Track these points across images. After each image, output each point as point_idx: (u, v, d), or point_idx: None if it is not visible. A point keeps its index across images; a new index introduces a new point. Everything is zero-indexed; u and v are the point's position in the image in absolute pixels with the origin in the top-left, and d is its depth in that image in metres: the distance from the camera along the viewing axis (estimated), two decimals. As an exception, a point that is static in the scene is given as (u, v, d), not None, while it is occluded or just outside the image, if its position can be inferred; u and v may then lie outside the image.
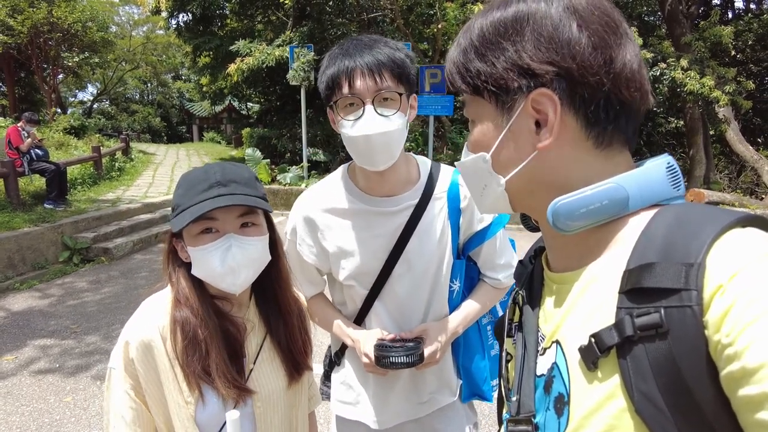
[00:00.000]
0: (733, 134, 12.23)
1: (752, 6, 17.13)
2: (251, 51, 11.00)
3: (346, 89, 1.14)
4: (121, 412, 1.02)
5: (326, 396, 1.51)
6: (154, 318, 1.05)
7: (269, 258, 1.11)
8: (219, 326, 1.05)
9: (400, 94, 1.16)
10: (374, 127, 1.13)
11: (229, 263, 1.01)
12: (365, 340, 1.27)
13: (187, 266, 1.07)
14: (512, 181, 0.62)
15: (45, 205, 7.67)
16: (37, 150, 8.01)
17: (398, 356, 1.19)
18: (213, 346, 1.03)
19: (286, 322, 1.17)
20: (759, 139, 16.14)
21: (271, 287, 1.16)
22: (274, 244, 1.14)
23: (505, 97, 0.59)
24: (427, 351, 1.24)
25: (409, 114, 1.23)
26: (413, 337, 1.27)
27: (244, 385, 1.06)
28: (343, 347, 1.41)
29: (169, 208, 1.07)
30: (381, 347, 1.23)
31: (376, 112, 1.14)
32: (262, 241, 1.08)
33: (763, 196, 10.94)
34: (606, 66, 0.55)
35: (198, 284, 1.08)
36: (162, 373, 1.03)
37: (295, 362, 1.17)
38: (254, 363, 1.11)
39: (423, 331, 1.28)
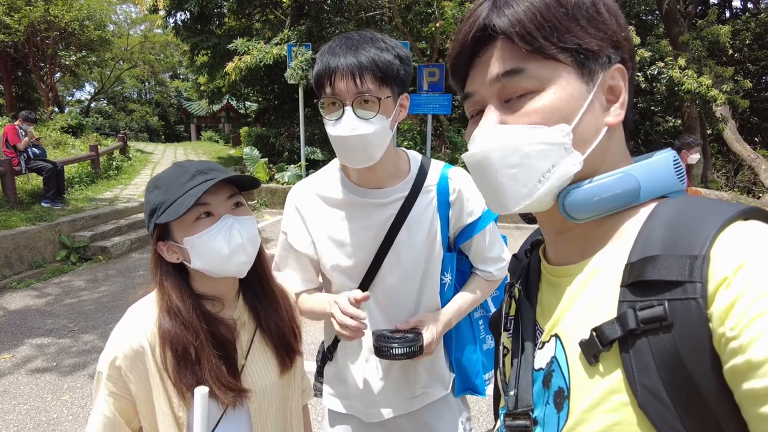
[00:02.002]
0: (731, 133, 12.26)
1: (750, 5, 17.18)
2: (249, 49, 10.98)
3: (328, 89, 1.16)
4: (96, 418, 1.04)
5: (319, 392, 1.51)
6: (141, 324, 1.05)
7: (259, 238, 1.12)
8: (209, 331, 1.05)
9: (380, 99, 1.15)
10: (351, 129, 1.15)
11: (236, 241, 1.03)
12: (339, 299, 1.22)
13: (176, 270, 1.07)
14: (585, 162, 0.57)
15: (42, 204, 7.65)
16: (34, 149, 7.98)
17: (399, 347, 1.20)
18: (204, 354, 1.02)
19: (275, 305, 1.18)
20: (756, 138, 16.19)
21: (257, 273, 1.17)
22: None
23: (592, 65, 0.57)
24: (424, 341, 1.25)
25: (397, 114, 1.23)
26: (410, 328, 1.28)
27: (240, 386, 1.06)
28: (336, 341, 1.42)
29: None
30: (381, 338, 1.23)
31: (355, 114, 1.15)
32: (253, 219, 1.11)
33: (761, 194, 10.97)
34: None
35: (189, 290, 1.07)
36: (151, 377, 1.03)
37: (286, 346, 1.17)
38: (246, 359, 1.11)
39: (419, 322, 1.29)
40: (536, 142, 0.56)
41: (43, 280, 5.99)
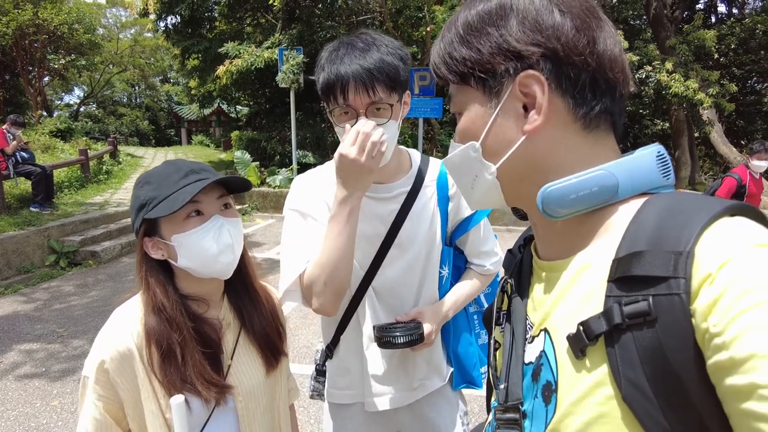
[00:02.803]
0: (717, 136, 12.44)
1: (735, 10, 17.46)
2: (240, 53, 10.96)
3: (340, 100, 1.17)
4: (86, 422, 1.03)
5: (318, 393, 1.50)
6: (127, 326, 1.05)
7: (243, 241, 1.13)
8: (194, 329, 1.05)
9: (391, 105, 1.19)
10: None
11: (225, 241, 1.04)
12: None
13: (160, 266, 1.07)
14: (503, 168, 0.62)
15: (31, 209, 7.57)
16: (22, 153, 7.90)
17: (401, 336, 1.24)
18: (188, 350, 1.02)
19: (259, 306, 1.19)
20: (742, 141, 16.41)
21: (241, 274, 1.17)
22: None
23: (492, 81, 0.60)
24: (425, 331, 1.29)
25: (402, 112, 1.27)
26: (410, 319, 1.32)
27: (223, 383, 1.06)
28: (336, 338, 1.42)
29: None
30: (382, 328, 1.26)
31: None
32: (240, 221, 1.12)
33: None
34: (589, 46, 0.57)
35: (172, 287, 1.07)
36: (139, 380, 1.03)
37: (271, 346, 1.18)
38: (232, 359, 1.12)
39: (418, 314, 1.32)
40: (459, 157, 0.66)
41: (32, 285, 5.92)
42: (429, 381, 1.43)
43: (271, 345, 1.18)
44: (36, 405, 3.34)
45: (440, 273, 1.40)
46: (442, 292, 1.42)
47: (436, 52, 0.66)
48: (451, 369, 1.48)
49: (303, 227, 1.31)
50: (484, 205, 0.70)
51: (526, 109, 0.59)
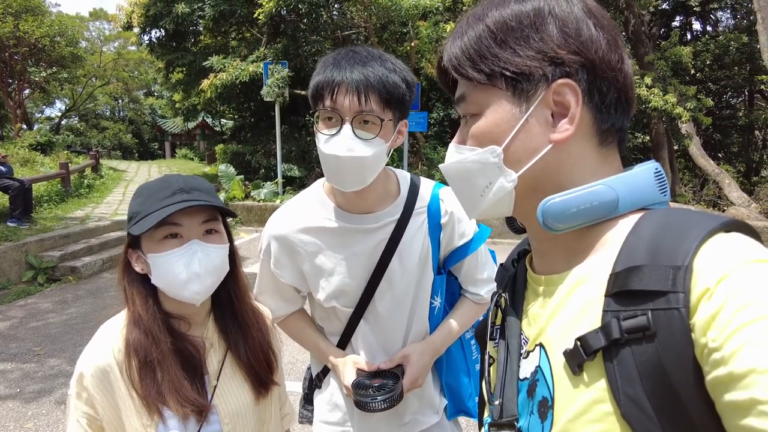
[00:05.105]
0: (696, 149, 12.74)
1: (709, 28, 18.04)
2: (225, 67, 10.95)
3: (328, 102, 1.09)
4: None
5: (307, 420, 1.44)
6: (109, 342, 1.03)
7: (228, 268, 1.09)
8: (174, 345, 1.03)
9: (382, 120, 1.09)
10: (347, 148, 1.08)
11: (194, 269, 1.00)
12: (345, 369, 1.25)
13: (142, 280, 1.05)
14: (522, 177, 0.60)
15: (8, 223, 7.37)
16: (0, 167, 7.74)
17: (377, 402, 1.16)
18: (165, 365, 1.00)
19: (246, 336, 1.14)
20: (719, 154, 16.87)
21: (229, 300, 1.14)
22: (232, 255, 1.12)
23: (525, 85, 0.58)
24: (408, 378, 1.22)
25: (395, 140, 1.17)
26: (393, 366, 1.25)
27: (199, 401, 1.03)
28: (325, 369, 1.37)
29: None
30: (359, 387, 1.19)
31: (354, 133, 1.08)
32: (224, 249, 1.07)
33: (725, 207, 11.37)
34: (619, 63, 0.58)
35: (153, 300, 1.05)
36: (119, 398, 1.00)
37: (258, 378, 1.13)
38: (218, 380, 1.09)
39: (404, 358, 1.25)
40: (472, 161, 0.62)
41: (7, 302, 5.74)
42: (421, 416, 1.35)
43: (256, 375, 1.14)
44: (9, 428, 3.22)
45: (432, 303, 1.32)
46: (435, 323, 1.34)
47: (458, 48, 0.62)
48: (445, 401, 1.40)
49: (273, 284, 1.33)
50: (488, 216, 0.66)
51: (553, 117, 0.58)
